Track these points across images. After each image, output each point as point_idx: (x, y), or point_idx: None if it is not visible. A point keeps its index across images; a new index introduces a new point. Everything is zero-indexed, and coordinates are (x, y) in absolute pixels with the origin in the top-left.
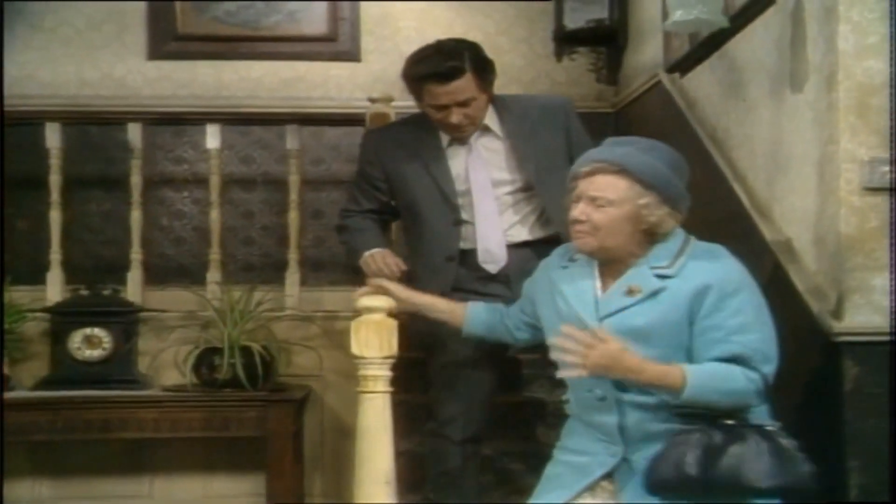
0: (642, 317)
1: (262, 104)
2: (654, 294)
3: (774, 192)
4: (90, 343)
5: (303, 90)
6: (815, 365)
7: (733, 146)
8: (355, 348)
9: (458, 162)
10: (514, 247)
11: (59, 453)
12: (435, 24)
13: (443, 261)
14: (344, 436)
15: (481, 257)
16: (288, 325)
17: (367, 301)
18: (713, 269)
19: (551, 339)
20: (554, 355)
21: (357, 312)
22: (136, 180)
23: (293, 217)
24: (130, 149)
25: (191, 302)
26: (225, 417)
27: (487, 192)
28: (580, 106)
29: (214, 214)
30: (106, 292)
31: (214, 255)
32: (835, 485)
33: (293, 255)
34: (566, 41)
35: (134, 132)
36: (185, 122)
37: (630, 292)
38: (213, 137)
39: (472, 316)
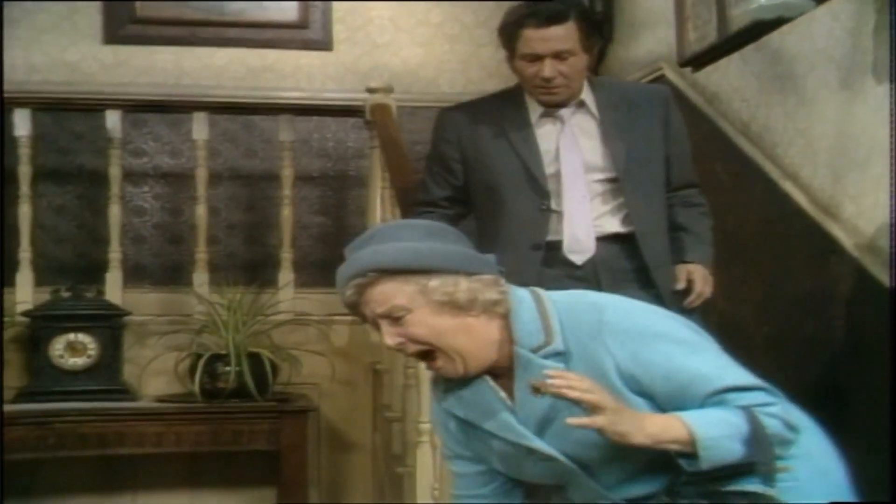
0: (575, 410)
1: (254, 94)
2: None
3: (846, 189)
4: (74, 350)
5: (271, 80)
6: None
7: (778, 142)
8: None
9: (549, 140)
10: (602, 239)
11: (46, 471)
12: (410, 14)
13: (527, 250)
14: (342, 449)
15: (568, 246)
16: (280, 330)
17: None
18: (606, 321)
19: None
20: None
21: None
22: (115, 172)
23: (286, 214)
24: (109, 138)
25: (172, 304)
26: (235, 430)
27: (579, 176)
28: None
29: (201, 210)
30: (89, 294)
31: (201, 253)
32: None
33: (286, 255)
34: None
35: (113, 120)
36: (171, 109)
37: (536, 390)
38: (200, 127)
39: None
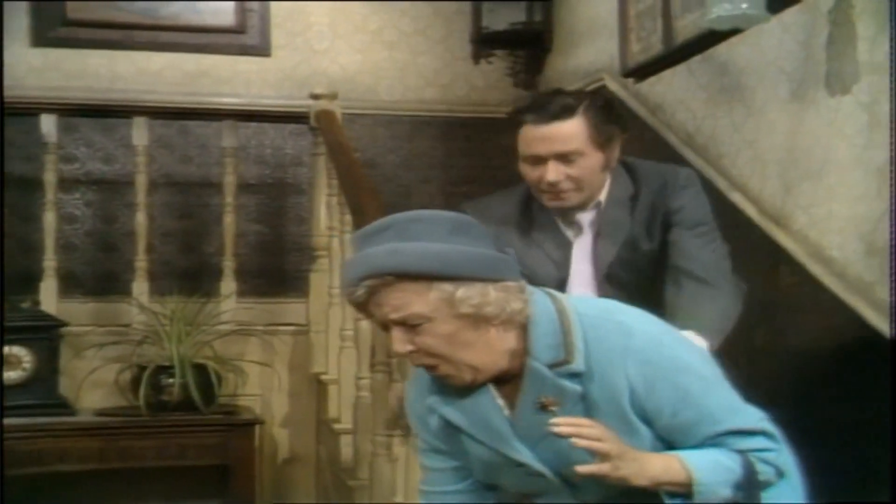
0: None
1: (194, 99)
2: (577, 404)
3: (797, 199)
4: (8, 363)
5: (208, 85)
6: (886, 380)
7: (725, 153)
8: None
9: (557, 246)
10: None
11: None
12: (348, 21)
13: None
14: (285, 461)
15: None
16: (222, 341)
17: None
18: (633, 347)
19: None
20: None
21: None
22: (49, 178)
23: (228, 222)
24: (44, 143)
25: (107, 314)
26: (181, 444)
27: (589, 289)
28: (497, 111)
29: (141, 218)
30: (24, 304)
31: (141, 262)
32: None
33: (228, 264)
34: (484, 43)
35: (48, 124)
36: (110, 114)
37: (545, 407)
38: (140, 133)
39: None
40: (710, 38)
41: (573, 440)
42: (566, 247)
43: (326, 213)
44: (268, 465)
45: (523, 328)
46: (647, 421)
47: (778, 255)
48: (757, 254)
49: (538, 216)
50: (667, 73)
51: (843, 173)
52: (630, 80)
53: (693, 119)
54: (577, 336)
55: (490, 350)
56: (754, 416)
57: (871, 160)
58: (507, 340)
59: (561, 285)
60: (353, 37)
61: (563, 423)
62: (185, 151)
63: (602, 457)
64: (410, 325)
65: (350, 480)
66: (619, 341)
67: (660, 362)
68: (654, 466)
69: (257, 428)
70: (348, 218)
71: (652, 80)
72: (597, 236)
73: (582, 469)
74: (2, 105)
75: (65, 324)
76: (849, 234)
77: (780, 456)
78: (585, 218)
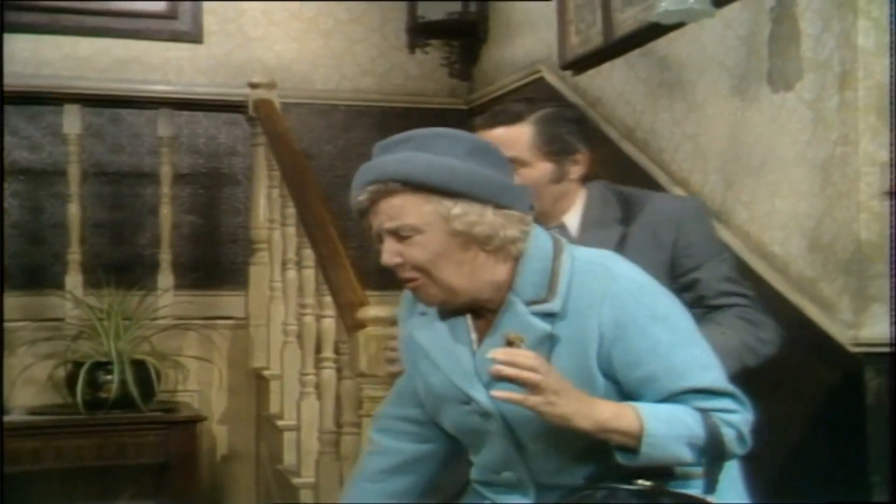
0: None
1: (125, 86)
2: (543, 343)
3: (738, 195)
4: None
5: (139, 72)
6: (829, 378)
7: (665, 148)
8: (364, 365)
9: None
10: None
11: None
12: (283, 8)
13: None
14: (224, 458)
15: None
16: (159, 336)
17: (375, 311)
18: (611, 294)
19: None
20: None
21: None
22: None
23: (165, 213)
24: None
25: (36, 308)
26: (120, 443)
27: None
28: (433, 102)
29: (73, 209)
30: None
31: (74, 254)
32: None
33: (165, 256)
34: (419, 33)
35: None
36: (40, 101)
37: (510, 345)
38: (71, 121)
39: None
40: (651, 32)
41: (498, 368)
42: None
43: (266, 205)
44: (207, 463)
45: (515, 262)
46: (611, 372)
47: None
48: None
49: None
50: (606, 67)
51: (786, 170)
52: (568, 73)
53: (633, 113)
54: (563, 278)
55: (474, 275)
56: (722, 377)
57: (814, 157)
58: (496, 272)
59: None
60: (289, 24)
61: (500, 352)
62: (116, 140)
63: (532, 388)
64: (402, 237)
65: (294, 479)
66: (600, 285)
67: (636, 309)
68: (602, 410)
69: (198, 425)
70: (290, 211)
71: (591, 73)
72: None
73: (497, 395)
74: (2, 101)
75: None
76: (791, 231)
77: (743, 420)
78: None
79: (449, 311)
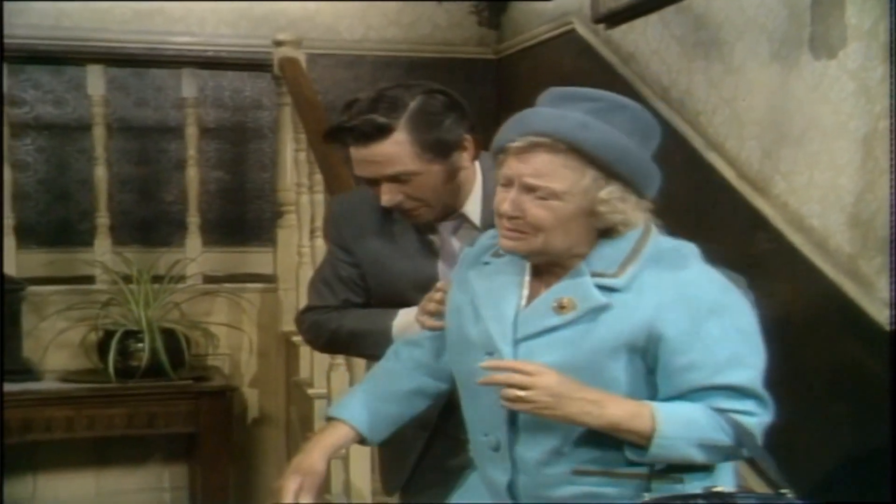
0: (569, 347)
1: (153, 44)
2: (593, 314)
3: (777, 165)
4: None
5: (160, 24)
6: (864, 355)
7: (701, 110)
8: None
9: (426, 262)
10: None
11: None
12: None
13: None
14: (255, 422)
15: None
16: (189, 301)
17: None
18: (679, 280)
19: (455, 359)
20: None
21: None
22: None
23: (192, 174)
24: None
25: (64, 265)
26: (150, 413)
27: None
28: (460, 52)
29: (100, 171)
30: None
31: (102, 218)
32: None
33: (193, 219)
34: None
35: None
36: (63, 62)
37: (560, 308)
38: (95, 81)
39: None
40: None
41: (487, 377)
42: (432, 255)
43: (293, 167)
44: (237, 427)
45: (605, 233)
46: (654, 352)
47: (755, 219)
48: (733, 217)
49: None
50: (639, 22)
51: (827, 141)
52: (601, 27)
53: (668, 72)
54: (639, 259)
55: (574, 241)
56: (757, 377)
57: (856, 129)
58: (589, 241)
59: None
60: None
61: (495, 365)
62: (140, 94)
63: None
64: (537, 196)
65: None
66: (671, 270)
67: (698, 299)
68: (615, 410)
69: (229, 394)
70: (319, 178)
71: (624, 27)
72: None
73: (484, 381)
74: (2, 97)
75: (25, 286)
76: (830, 204)
77: (760, 422)
78: (447, 228)
79: (512, 260)
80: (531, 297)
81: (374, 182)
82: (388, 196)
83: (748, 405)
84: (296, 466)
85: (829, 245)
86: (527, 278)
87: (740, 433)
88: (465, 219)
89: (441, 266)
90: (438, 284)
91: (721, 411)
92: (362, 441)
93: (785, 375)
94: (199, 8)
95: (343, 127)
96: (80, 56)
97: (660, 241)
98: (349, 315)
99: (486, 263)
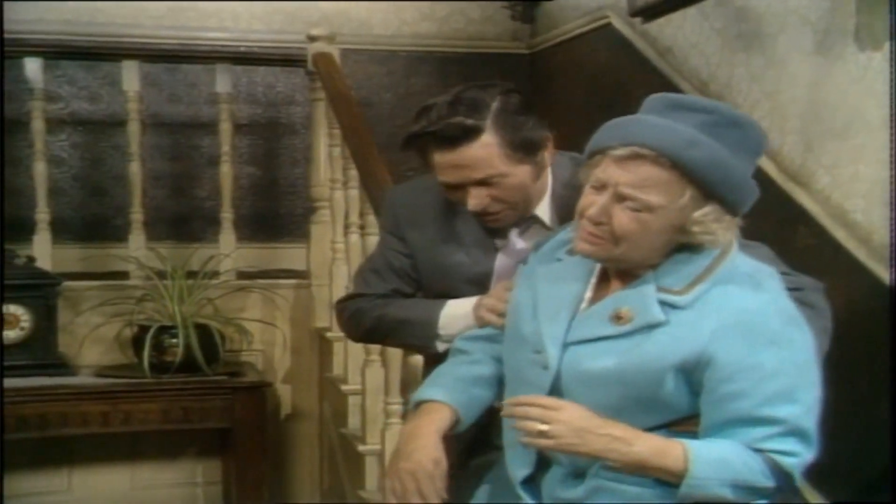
0: (616, 357)
1: (187, 40)
2: (648, 329)
3: (820, 158)
4: (6, 322)
5: (194, 19)
6: None
7: (742, 104)
8: None
9: (483, 257)
10: None
11: None
12: None
13: None
14: (288, 417)
15: None
16: (223, 297)
17: None
18: (745, 305)
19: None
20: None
21: None
22: (38, 125)
23: (225, 171)
24: (30, 88)
25: (99, 261)
26: (185, 408)
27: None
28: (494, 47)
29: (135, 167)
30: (19, 261)
31: (136, 213)
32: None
33: (227, 215)
34: None
35: (33, 69)
36: (98, 58)
37: (617, 318)
38: (130, 77)
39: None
40: None
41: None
42: (491, 250)
43: (327, 163)
44: (270, 422)
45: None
46: (702, 375)
47: (797, 214)
48: (774, 211)
49: (462, 212)
50: (677, 15)
51: (872, 134)
52: (637, 20)
53: (707, 66)
54: (710, 279)
55: (654, 252)
56: (804, 413)
57: None
58: (666, 252)
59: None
60: None
61: (515, 401)
62: (173, 90)
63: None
64: (629, 207)
65: (360, 446)
66: (739, 295)
67: (759, 328)
68: (642, 448)
69: (264, 390)
70: (353, 173)
71: (661, 21)
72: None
73: (506, 412)
74: (2, 96)
75: (61, 281)
76: (875, 199)
77: (800, 463)
78: (514, 233)
79: (584, 262)
80: (594, 300)
81: (460, 187)
82: (476, 200)
83: (789, 443)
84: (416, 463)
85: (873, 240)
86: (593, 280)
87: (777, 475)
88: (535, 220)
89: (500, 261)
90: (506, 283)
91: (760, 451)
92: (455, 424)
93: (828, 373)
94: (232, 4)
95: (426, 132)
96: (115, 52)
97: (737, 263)
98: (394, 303)
99: (559, 260)
